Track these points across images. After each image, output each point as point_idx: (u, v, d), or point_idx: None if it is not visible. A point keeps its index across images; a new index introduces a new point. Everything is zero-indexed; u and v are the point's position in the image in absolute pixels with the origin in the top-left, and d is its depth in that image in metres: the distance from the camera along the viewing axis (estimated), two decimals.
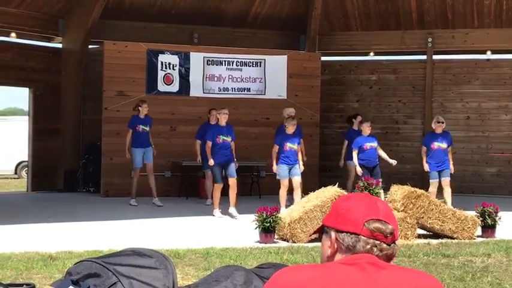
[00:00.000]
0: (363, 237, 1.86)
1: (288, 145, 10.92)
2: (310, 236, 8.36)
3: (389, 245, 1.87)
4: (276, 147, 10.99)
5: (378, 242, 1.86)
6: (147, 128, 12.24)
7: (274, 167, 10.98)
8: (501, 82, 15.26)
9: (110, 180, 13.59)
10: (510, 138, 15.17)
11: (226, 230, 9.56)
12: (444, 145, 11.46)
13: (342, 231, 1.88)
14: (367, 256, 1.86)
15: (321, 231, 1.97)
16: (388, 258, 1.89)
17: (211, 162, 10.86)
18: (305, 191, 9.59)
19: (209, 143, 10.91)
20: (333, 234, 1.90)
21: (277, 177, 10.99)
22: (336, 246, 1.89)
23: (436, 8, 15.40)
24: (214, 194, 10.96)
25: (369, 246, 1.86)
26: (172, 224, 10.16)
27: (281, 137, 11.07)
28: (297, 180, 10.91)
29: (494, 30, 15.21)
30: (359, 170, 11.65)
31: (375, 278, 1.81)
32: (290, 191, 11.01)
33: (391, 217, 1.91)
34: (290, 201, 10.97)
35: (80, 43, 14.30)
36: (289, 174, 10.93)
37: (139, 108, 12.21)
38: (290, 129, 11.01)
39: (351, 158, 12.35)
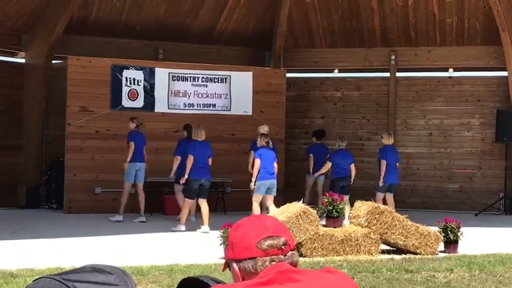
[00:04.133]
0: (259, 258, 1.93)
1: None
2: None
3: (285, 255, 1.94)
4: (258, 162, 10.91)
5: (275, 256, 1.93)
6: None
7: (253, 184, 10.89)
8: (463, 99, 15.51)
9: (73, 196, 13.45)
10: (472, 155, 15.40)
11: (191, 247, 9.51)
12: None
13: (241, 260, 1.95)
14: (278, 266, 1.91)
15: (228, 267, 2.03)
16: (292, 266, 1.95)
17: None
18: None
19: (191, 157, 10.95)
20: (235, 265, 1.97)
21: (255, 193, 10.92)
22: (241, 275, 1.96)
23: (399, 26, 15.62)
24: (187, 209, 10.98)
25: (267, 263, 1.92)
26: (136, 240, 10.07)
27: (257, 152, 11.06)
28: (271, 197, 10.98)
29: (456, 48, 15.48)
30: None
31: None
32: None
33: (282, 230, 1.98)
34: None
35: (44, 58, 14.17)
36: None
37: (130, 123, 12.22)
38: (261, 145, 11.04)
39: (312, 172, 13.27)
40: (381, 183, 12.33)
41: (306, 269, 2.00)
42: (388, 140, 12.59)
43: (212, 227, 9.99)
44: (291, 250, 1.96)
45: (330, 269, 1.99)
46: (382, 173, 12.29)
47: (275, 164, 10.99)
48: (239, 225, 2.00)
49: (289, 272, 1.91)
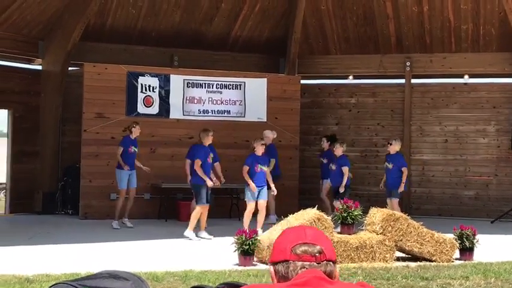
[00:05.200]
0: (292, 262, 2.00)
1: (259, 166, 10.93)
2: None
3: (319, 263, 1.99)
4: (246, 168, 10.92)
5: (307, 263, 1.99)
6: (137, 150, 12.26)
7: (253, 186, 10.86)
8: (478, 106, 15.43)
9: (89, 202, 13.51)
10: (487, 162, 15.30)
11: (206, 253, 9.52)
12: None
13: (276, 263, 2.04)
14: (313, 271, 1.97)
15: None
16: (328, 277, 2.00)
17: (210, 183, 10.92)
18: (284, 213, 9.59)
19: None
20: (271, 268, 2.06)
21: (246, 198, 10.94)
22: (276, 278, 2.03)
23: (414, 33, 15.58)
24: (201, 215, 10.93)
25: (298, 269, 1.98)
26: (151, 246, 10.10)
27: (251, 158, 11.02)
28: (263, 203, 10.94)
29: (471, 54, 15.41)
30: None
31: None
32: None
33: (320, 239, 2.04)
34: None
35: (60, 65, 14.27)
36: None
37: (133, 129, 12.19)
38: (259, 150, 10.99)
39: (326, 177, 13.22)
40: (401, 190, 12.31)
41: (339, 280, 2.03)
42: (399, 146, 12.66)
43: (227, 233, 9.99)
44: (327, 260, 2.02)
45: (364, 284, 2.02)
46: (404, 180, 12.29)
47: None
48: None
49: (322, 279, 1.96)
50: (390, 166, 12.47)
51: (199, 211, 10.90)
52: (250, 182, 10.75)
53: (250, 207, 10.89)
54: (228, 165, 13.73)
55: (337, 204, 11.00)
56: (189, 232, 10.84)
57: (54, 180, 14.43)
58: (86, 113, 13.57)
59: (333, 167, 12.61)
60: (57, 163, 14.56)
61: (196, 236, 10.88)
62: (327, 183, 13.25)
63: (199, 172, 10.88)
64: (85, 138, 13.54)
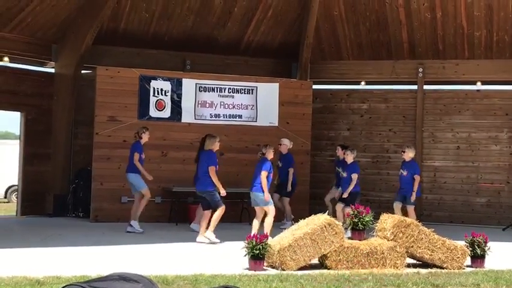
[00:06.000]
0: None
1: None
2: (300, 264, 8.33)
3: None
4: (265, 174, 10.75)
5: None
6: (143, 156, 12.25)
7: (268, 196, 10.79)
8: (491, 113, 15.37)
9: (100, 205, 13.55)
10: (499, 169, 15.23)
11: (216, 257, 9.52)
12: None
13: None
14: None
15: None
16: None
17: (223, 192, 10.93)
18: (295, 219, 9.58)
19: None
20: None
21: (269, 205, 10.78)
22: None
23: (427, 39, 15.55)
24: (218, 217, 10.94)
25: None
26: (161, 249, 10.11)
27: (269, 164, 10.92)
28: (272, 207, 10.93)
29: (484, 61, 15.36)
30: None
31: None
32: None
33: None
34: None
35: (73, 68, 14.34)
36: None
37: (143, 134, 12.17)
38: (271, 155, 10.94)
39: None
40: (413, 198, 12.35)
41: None
42: (413, 153, 12.64)
43: (237, 237, 9.97)
44: None
45: None
46: (416, 188, 12.34)
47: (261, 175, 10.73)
48: None
49: None
50: (405, 173, 12.46)
51: (220, 213, 10.93)
52: (266, 190, 10.63)
53: (273, 211, 10.79)
54: (240, 169, 13.75)
55: (347, 210, 10.99)
56: (209, 233, 10.86)
57: (65, 183, 14.49)
58: (98, 116, 13.62)
59: (344, 174, 12.60)
60: (69, 166, 14.62)
61: (207, 238, 10.88)
62: (337, 191, 13.21)
63: (215, 179, 10.88)
64: (97, 141, 13.58)
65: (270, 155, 10.83)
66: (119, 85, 13.68)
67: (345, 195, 12.21)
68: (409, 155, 12.53)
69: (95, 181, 13.59)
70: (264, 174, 10.59)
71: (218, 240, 10.84)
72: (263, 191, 10.58)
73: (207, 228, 10.94)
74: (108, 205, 13.52)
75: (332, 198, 13.39)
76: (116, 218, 13.26)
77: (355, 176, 12.30)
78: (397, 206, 12.36)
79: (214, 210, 10.98)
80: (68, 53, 14.41)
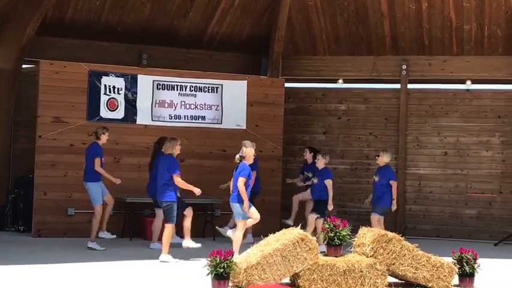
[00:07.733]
0: None
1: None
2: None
3: None
4: (244, 181, 10.64)
5: None
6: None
7: (247, 206, 10.75)
8: (482, 115, 15.58)
9: (43, 218, 13.45)
10: (491, 177, 15.44)
11: (175, 276, 9.52)
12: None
13: None
14: None
15: None
16: None
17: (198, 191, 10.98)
18: (265, 233, 9.60)
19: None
20: None
21: (242, 218, 10.79)
22: None
23: (411, 33, 15.72)
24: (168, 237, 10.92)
25: None
26: (114, 268, 10.08)
27: (249, 169, 10.86)
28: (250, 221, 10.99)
29: (474, 58, 15.57)
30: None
31: None
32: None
33: None
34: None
35: (13, 62, 14.20)
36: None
37: (102, 135, 12.07)
38: (251, 159, 10.94)
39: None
40: (394, 207, 12.57)
41: None
42: (389, 159, 12.92)
43: (199, 254, 9.99)
44: None
45: None
46: (395, 196, 12.55)
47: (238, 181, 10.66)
48: None
49: None
50: (377, 179, 12.67)
51: (170, 232, 10.92)
52: (246, 200, 10.61)
53: (243, 225, 10.81)
54: (202, 177, 13.74)
55: (321, 222, 11.10)
56: (165, 256, 10.85)
57: (3, 193, 14.36)
58: (42, 116, 13.54)
59: (315, 180, 12.72)
60: (8, 173, 14.50)
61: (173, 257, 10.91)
62: (307, 194, 13.36)
63: (185, 185, 10.89)
64: (40, 145, 13.50)
65: (249, 159, 10.81)
66: (66, 81, 13.61)
67: (330, 208, 12.37)
68: (383, 159, 12.78)
69: (38, 190, 13.49)
70: (241, 181, 10.57)
71: (176, 261, 10.83)
72: (240, 201, 10.59)
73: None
74: (53, 218, 13.42)
75: (301, 201, 13.60)
76: (61, 233, 13.17)
77: (330, 183, 12.45)
78: (374, 217, 12.52)
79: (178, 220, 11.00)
80: (7, 45, 14.27)
